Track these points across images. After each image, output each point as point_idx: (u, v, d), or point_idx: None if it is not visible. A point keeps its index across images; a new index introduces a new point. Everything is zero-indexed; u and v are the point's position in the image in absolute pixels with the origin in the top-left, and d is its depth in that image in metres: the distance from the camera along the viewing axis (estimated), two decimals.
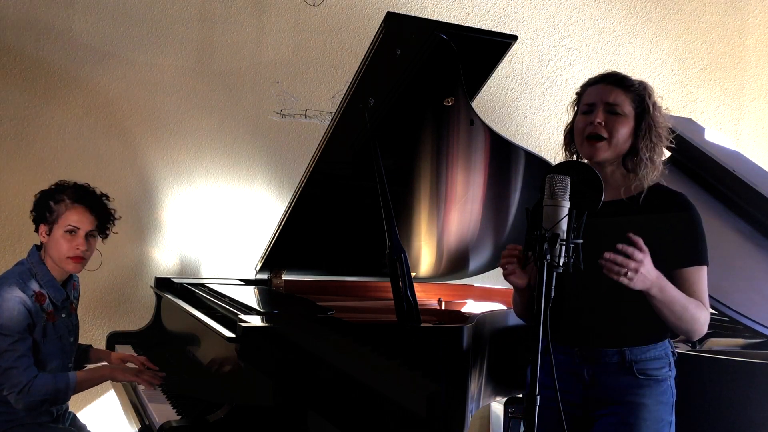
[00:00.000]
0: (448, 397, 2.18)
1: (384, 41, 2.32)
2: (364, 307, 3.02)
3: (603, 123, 1.96)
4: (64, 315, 2.51)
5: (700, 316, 1.92)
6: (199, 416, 2.06)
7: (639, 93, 2.01)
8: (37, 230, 2.49)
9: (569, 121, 2.11)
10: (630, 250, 1.76)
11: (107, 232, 2.54)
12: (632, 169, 2.00)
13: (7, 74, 3.41)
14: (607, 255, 1.76)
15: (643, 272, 1.77)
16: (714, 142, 3.12)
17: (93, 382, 2.48)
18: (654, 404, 1.95)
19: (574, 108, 2.10)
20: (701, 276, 1.97)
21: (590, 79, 2.08)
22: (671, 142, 2.06)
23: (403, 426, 2.14)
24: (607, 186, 2.01)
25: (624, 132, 1.98)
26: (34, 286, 2.41)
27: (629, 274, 1.75)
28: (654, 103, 2.01)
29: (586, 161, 2.05)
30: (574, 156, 2.09)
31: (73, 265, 2.45)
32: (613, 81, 2.02)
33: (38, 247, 2.50)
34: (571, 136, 2.09)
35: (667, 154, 2.86)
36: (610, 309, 1.98)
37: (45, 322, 2.41)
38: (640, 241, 1.78)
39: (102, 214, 2.50)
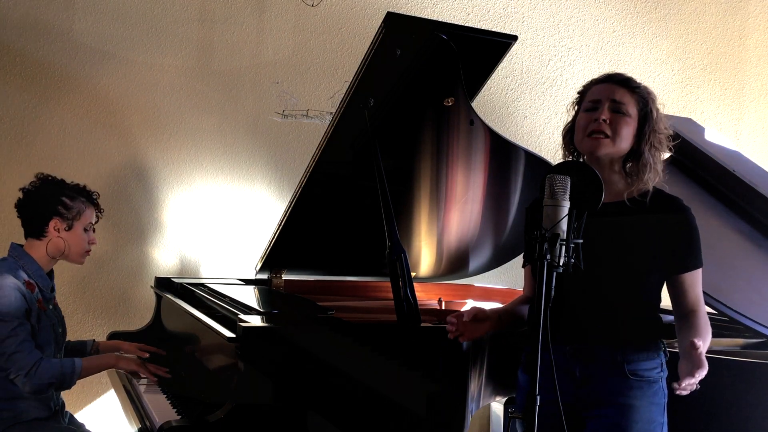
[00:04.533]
0: (448, 397, 2.18)
1: (384, 41, 2.32)
2: (364, 307, 3.01)
3: (608, 120, 1.95)
4: (51, 306, 2.54)
5: (709, 330, 1.94)
6: (199, 416, 2.06)
7: (643, 96, 2.00)
8: (41, 224, 2.48)
9: (569, 121, 2.11)
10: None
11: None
12: (634, 173, 2.00)
13: (7, 74, 3.41)
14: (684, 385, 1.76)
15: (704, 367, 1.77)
16: (714, 142, 3.12)
17: (98, 368, 2.55)
18: (646, 405, 1.94)
19: (574, 107, 2.10)
20: (698, 278, 2.00)
21: (594, 79, 2.07)
22: (671, 149, 2.06)
23: (403, 426, 2.14)
24: (607, 187, 2.01)
25: (627, 132, 1.97)
26: (23, 276, 2.44)
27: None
28: (657, 110, 2.01)
29: (583, 161, 2.05)
30: (574, 155, 2.09)
31: (84, 259, 2.58)
32: (619, 80, 2.02)
33: (18, 245, 2.52)
34: (570, 135, 2.08)
35: (667, 154, 2.86)
36: (607, 310, 1.97)
37: (38, 310, 2.44)
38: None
39: (100, 213, 2.65)
